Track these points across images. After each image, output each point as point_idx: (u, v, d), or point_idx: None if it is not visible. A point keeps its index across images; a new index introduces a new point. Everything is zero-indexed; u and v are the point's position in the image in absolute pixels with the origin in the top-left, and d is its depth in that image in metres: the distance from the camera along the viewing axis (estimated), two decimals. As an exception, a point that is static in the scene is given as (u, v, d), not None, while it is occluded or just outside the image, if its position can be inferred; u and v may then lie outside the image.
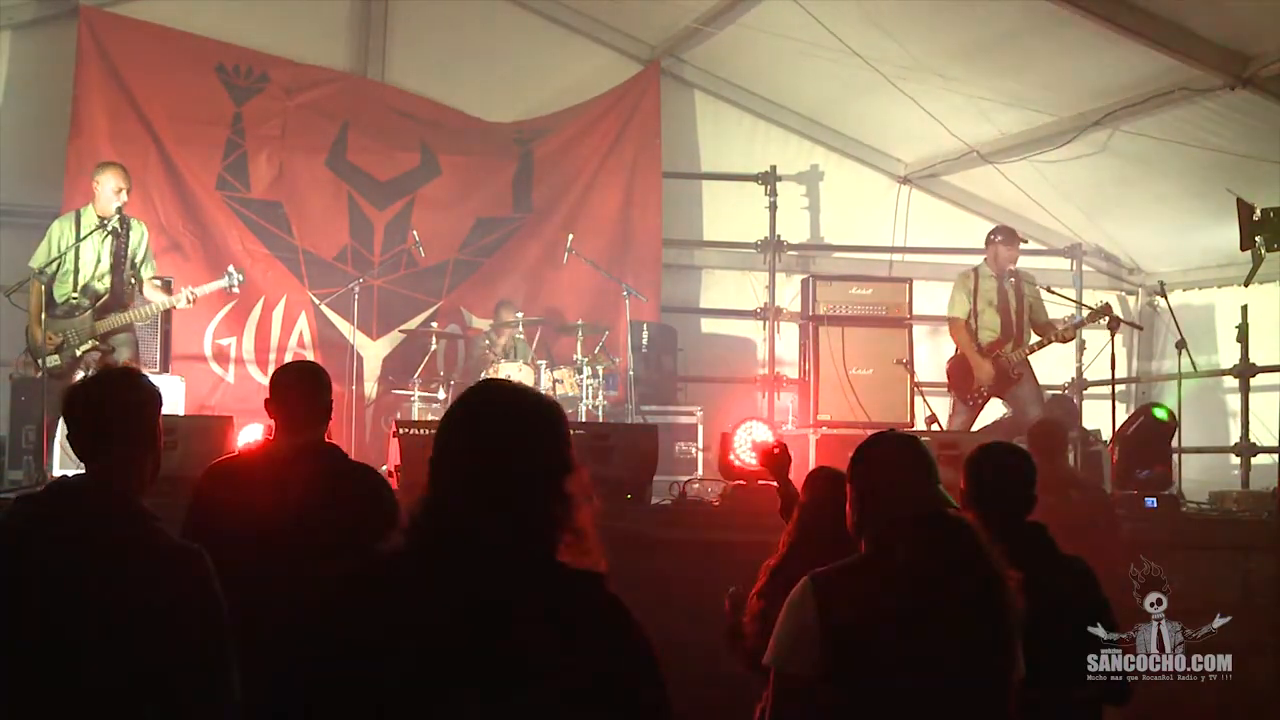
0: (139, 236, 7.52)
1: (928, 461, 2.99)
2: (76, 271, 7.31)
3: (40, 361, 7.09)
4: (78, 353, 7.21)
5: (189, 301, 7.51)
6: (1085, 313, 8.45)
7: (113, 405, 2.82)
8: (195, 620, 2.56)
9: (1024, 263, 9.13)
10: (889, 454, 3.04)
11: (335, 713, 1.88)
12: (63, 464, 7.45)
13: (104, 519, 2.66)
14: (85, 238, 7.28)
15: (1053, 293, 9.04)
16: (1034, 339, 8.57)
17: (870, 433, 3.32)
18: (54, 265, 7.28)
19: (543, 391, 8.43)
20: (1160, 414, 7.64)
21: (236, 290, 8.02)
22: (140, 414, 2.85)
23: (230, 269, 7.90)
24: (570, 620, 1.93)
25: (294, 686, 1.94)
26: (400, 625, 1.89)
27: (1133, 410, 9.07)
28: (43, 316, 7.17)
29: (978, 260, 9.07)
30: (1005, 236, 8.77)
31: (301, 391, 3.93)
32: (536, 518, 1.98)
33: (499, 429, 2.03)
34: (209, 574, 2.64)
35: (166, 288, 7.79)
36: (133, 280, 7.47)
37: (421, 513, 2.00)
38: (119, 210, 7.35)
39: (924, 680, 2.72)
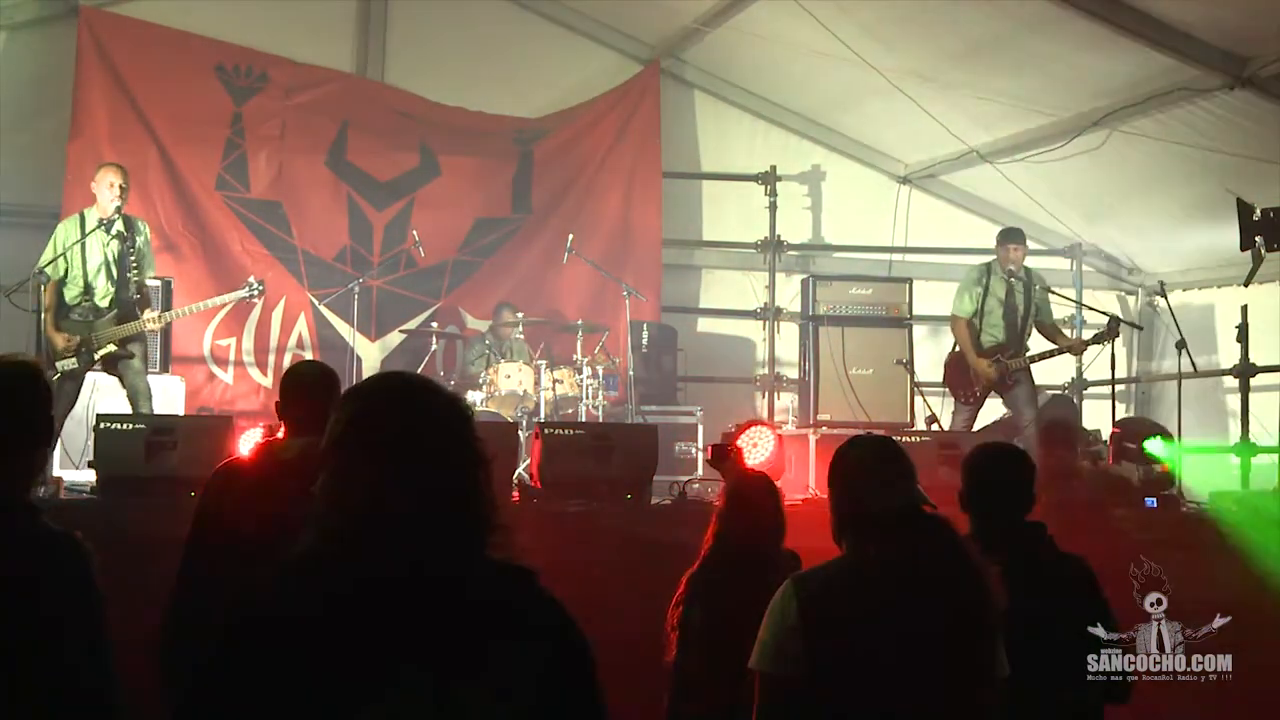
0: (143, 238, 7.54)
1: (905, 462, 3.01)
2: (84, 274, 7.31)
3: (56, 365, 7.08)
4: (96, 356, 7.21)
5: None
6: (1085, 315, 8.43)
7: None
8: (74, 609, 2.49)
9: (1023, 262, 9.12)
10: (866, 456, 3.06)
11: (280, 699, 1.78)
12: (63, 464, 7.47)
13: None
14: (89, 234, 7.28)
15: (1053, 293, 9.03)
16: (1041, 348, 8.54)
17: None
18: (55, 265, 7.27)
19: (543, 391, 8.49)
20: (1154, 453, 7.42)
21: (257, 300, 8.15)
22: (24, 404, 2.68)
23: (250, 280, 7.98)
24: (513, 614, 1.88)
25: (232, 676, 1.82)
26: (342, 616, 1.80)
27: (1133, 415, 9.06)
28: (49, 318, 7.19)
29: (977, 260, 9.07)
30: (1014, 237, 8.75)
31: (313, 392, 3.87)
32: (471, 508, 1.91)
33: (427, 417, 1.95)
34: (89, 562, 2.55)
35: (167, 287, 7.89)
36: (136, 281, 7.48)
37: (341, 505, 1.91)
38: (119, 210, 7.35)
39: (906, 679, 2.73)
